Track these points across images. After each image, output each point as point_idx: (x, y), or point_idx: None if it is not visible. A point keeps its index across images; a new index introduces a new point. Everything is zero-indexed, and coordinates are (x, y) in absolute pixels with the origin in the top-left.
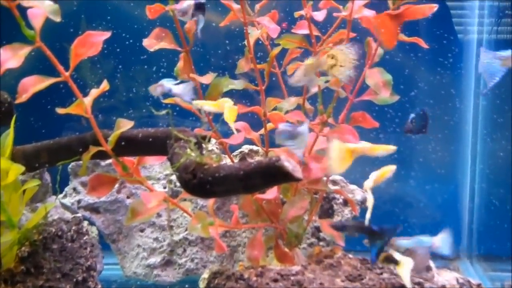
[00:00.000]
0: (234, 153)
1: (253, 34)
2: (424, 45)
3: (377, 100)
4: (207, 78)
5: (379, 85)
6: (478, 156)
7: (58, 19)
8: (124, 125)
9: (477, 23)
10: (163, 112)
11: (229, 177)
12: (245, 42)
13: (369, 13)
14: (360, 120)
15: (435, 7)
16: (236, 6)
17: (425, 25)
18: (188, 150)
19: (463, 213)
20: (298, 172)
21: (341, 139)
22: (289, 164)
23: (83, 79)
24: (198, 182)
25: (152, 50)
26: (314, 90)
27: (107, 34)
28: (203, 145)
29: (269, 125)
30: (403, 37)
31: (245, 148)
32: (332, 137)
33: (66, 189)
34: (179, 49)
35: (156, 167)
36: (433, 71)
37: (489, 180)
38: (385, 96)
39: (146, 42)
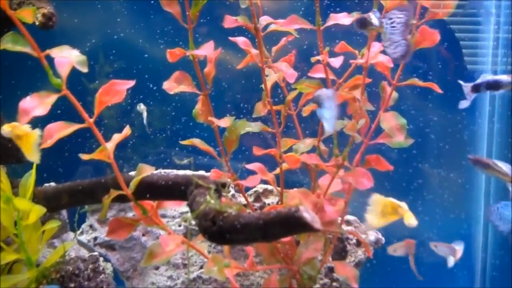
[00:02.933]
0: (249, 193)
1: (271, 78)
2: (438, 90)
3: (392, 143)
4: (225, 122)
5: (394, 129)
6: (491, 192)
7: (85, 69)
8: (146, 170)
9: (491, 54)
10: (185, 161)
11: (248, 226)
12: (262, 86)
13: (384, 58)
14: (375, 162)
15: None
16: (254, 51)
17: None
18: (208, 197)
19: (477, 250)
20: (317, 223)
21: (356, 182)
22: (308, 215)
23: None
24: (218, 230)
25: (172, 93)
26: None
27: (131, 83)
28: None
29: (284, 165)
30: (417, 82)
31: (260, 187)
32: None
33: (83, 226)
34: (198, 92)
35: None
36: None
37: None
38: (400, 139)
39: (166, 85)
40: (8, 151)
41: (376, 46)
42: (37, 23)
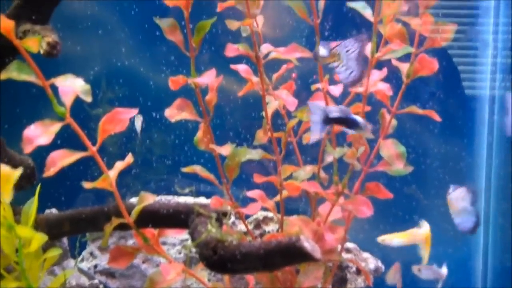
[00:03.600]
0: (249, 220)
1: (271, 105)
2: (437, 118)
3: (391, 171)
4: (226, 149)
5: (393, 156)
6: (491, 218)
7: (89, 99)
8: (147, 199)
9: (489, 79)
10: (187, 190)
11: (249, 255)
12: (263, 113)
13: (384, 86)
14: (374, 190)
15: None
16: (255, 79)
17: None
18: (209, 226)
19: (476, 278)
20: (317, 253)
21: (356, 210)
22: (309, 245)
23: None
24: (219, 259)
25: (173, 120)
26: (329, 159)
27: (134, 112)
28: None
29: (285, 193)
30: (416, 110)
31: (260, 214)
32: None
33: (84, 253)
34: (200, 119)
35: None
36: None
37: (503, 243)
38: (399, 167)
39: (167, 113)
40: None
41: (375, 75)
42: (41, 52)
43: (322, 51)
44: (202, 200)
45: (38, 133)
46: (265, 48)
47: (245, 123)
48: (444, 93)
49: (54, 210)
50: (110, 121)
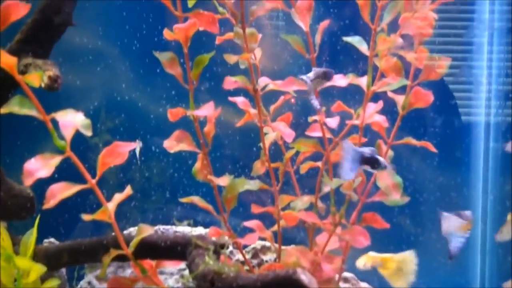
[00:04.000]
0: (247, 249)
1: (269, 136)
2: (432, 149)
3: (388, 201)
4: (224, 181)
5: (390, 187)
6: (487, 247)
7: (89, 133)
8: (146, 231)
9: (484, 105)
10: (185, 223)
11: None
12: (261, 144)
13: (380, 118)
14: (371, 220)
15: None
16: (253, 111)
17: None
18: (207, 258)
19: None
20: (314, 284)
21: (353, 241)
22: (305, 277)
23: None
24: None
25: (172, 151)
26: (326, 189)
27: (133, 145)
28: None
29: (282, 222)
30: (412, 141)
31: (258, 244)
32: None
33: (81, 283)
34: (198, 150)
35: None
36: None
37: (500, 272)
38: (396, 198)
39: (166, 144)
40: (9, 208)
41: (371, 107)
42: (42, 85)
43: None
44: (200, 230)
45: (39, 166)
46: (263, 81)
47: (243, 153)
48: (440, 120)
49: (52, 239)
50: (110, 154)
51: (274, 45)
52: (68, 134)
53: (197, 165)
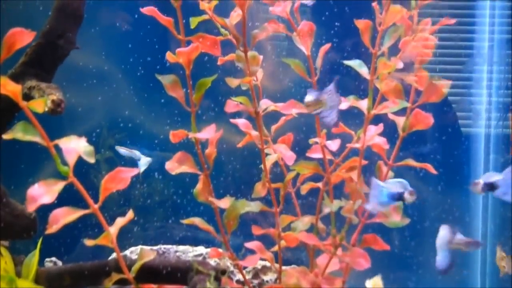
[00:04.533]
0: (248, 269)
1: (270, 158)
2: (433, 171)
3: (388, 223)
4: (225, 203)
5: (390, 209)
6: (488, 262)
7: (92, 160)
8: (147, 255)
9: (485, 118)
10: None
11: None
12: (262, 166)
13: (380, 140)
14: (372, 242)
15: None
16: (254, 133)
17: None
18: (208, 284)
19: None
20: None
21: (353, 263)
22: None
23: None
24: None
25: (173, 173)
26: (327, 210)
27: (135, 171)
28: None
29: (283, 243)
30: (412, 163)
31: (259, 264)
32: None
33: None
34: (199, 172)
35: None
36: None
37: None
38: (396, 219)
39: (168, 166)
40: (12, 228)
41: (372, 130)
42: (46, 109)
43: (309, 97)
44: (201, 249)
45: (42, 192)
46: (264, 103)
47: (244, 173)
48: (440, 132)
49: (54, 259)
50: (112, 180)
51: (275, 62)
52: (71, 160)
53: (199, 186)
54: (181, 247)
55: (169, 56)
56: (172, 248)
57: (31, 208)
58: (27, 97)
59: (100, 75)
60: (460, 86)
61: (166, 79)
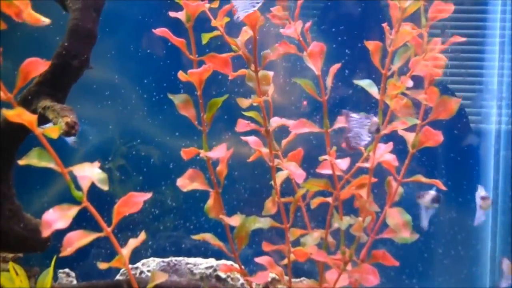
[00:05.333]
0: (258, 282)
1: (280, 175)
2: (442, 187)
3: (397, 239)
4: (235, 220)
5: (399, 225)
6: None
7: (105, 187)
8: (159, 277)
9: (496, 114)
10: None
11: None
12: (272, 182)
13: (390, 157)
14: (381, 258)
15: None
16: (264, 150)
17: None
18: None
19: None
20: None
21: (362, 279)
22: None
23: None
24: None
25: (185, 190)
26: (337, 225)
27: (148, 195)
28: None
29: (292, 257)
30: (422, 179)
31: (269, 276)
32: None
33: None
34: (210, 189)
35: None
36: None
37: None
38: (405, 235)
39: (179, 182)
40: (27, 242)
41: (381, 148)
42: (60, 131)
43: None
44: (211, 261)
45: (56, 218)
46: (275, 121)
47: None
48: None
49: (67, 270)
50: (125, 204)
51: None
52: (85, 185)
53: (210, 202)
54: (192, 259)
55: (181, 76)
56: (183, 260)
57: (46, 233)
58: (42, 117)
59: (112, 86)
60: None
61: (178, 99)
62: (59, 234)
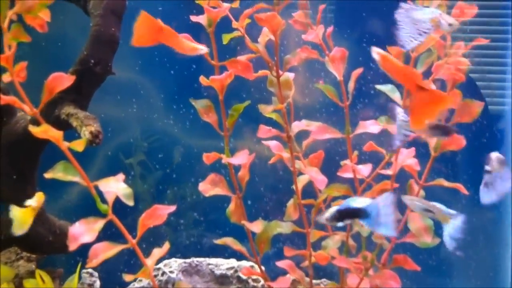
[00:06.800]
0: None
1: (301, 179)
2: (464, 191)
3: (419, 243)
4: (257, 227)
5: (421, 229)
6: None
7: (131, 203)
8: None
9: None
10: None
11: None
12: (293, 187)
13: (412, 161)
14: (402, 262)
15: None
16: (286, 155)
17: None
18: None
19: None
20: None
21: (383, 284)
22: None
23: None
24: None
25: (207, 195)
26: (357, 229)
27: (172, 208)
28: None
29: (313, 259)
30: (443, 182)
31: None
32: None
33: None
34: (232, 195)
35: None
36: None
37: None
38: (427, 240)
39: (201, 187)
40: (52, 244)
41: (403, 153)
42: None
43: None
44: (233, 262)
45: (83, 231)
46: (296, 126)
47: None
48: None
49: (90, 270)
50: (150, 217)
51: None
52: (110, 199)
53: (231, 207)
54: (213, 260)
55: (203, 80)
56: (205, 260)
57: (72, 247)
58: (65, 123)
59: (133, 85)
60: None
61: (199, 104)
62: None
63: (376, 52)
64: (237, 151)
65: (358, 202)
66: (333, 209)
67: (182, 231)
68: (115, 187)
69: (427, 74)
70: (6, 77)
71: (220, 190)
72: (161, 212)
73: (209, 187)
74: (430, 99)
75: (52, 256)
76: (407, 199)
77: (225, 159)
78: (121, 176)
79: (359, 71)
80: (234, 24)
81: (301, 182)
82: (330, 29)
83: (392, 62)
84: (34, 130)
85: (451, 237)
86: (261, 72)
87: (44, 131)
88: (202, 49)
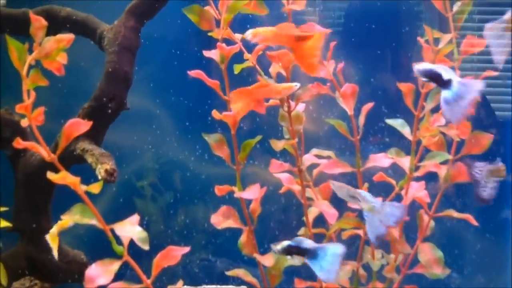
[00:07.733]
0: None
1: (312, 211)
2: (474, 222)
3: (429, 274)
4: (269, 260)
5: (431, 261)
6: None
7: (146, 247)
8: None
9: None
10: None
11: None
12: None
13: (423, 193)
14: None
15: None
16: (296, 188)
17: None
18: None
19: None
20: None
21: None
22: None
23: None
24: None
25: (219, 227)
26: (369, 257)
27: (186, 249)
28: None
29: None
30: (453, 213)
31: None
32: None
33: None
34: (244, 227)
35: None
36: None
37: None
38: (437, 272)
39: (213, 220)
40: (66, 273)
41: (414, 187)
42: (99, 178)
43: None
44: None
45: (99, 273)
46: (308, 160)
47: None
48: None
49: None
50: (164, 257)
51: None
52: (126, 241)
53: (243, 239)
54: (225, 287)
55: (216, 115)
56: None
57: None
58: (80, 158)
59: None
60: None
61: (212, 139)
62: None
63: (248, 33)
64: (249, 185)
65: (308, 243)
66: (286, 243)
67: (192, 256)
68: (130, 231)
69: (437, 109)
70: (24, 122)
71: (232, 223)
72: (176, 253)
73: (221, 220)
74: (309, 42)
75: (65, 285)
76: (334, 185)
77: (237, 194)
78: (136, 218)
79: (369, 105)
80: (246, 56)
81: (312, 214)
82: (341, 65)
83: (264, 32)
84: (52, 177)
85: (372, 228)
86: (272, 102)
87: (62, 177)
88: (296, 85)
